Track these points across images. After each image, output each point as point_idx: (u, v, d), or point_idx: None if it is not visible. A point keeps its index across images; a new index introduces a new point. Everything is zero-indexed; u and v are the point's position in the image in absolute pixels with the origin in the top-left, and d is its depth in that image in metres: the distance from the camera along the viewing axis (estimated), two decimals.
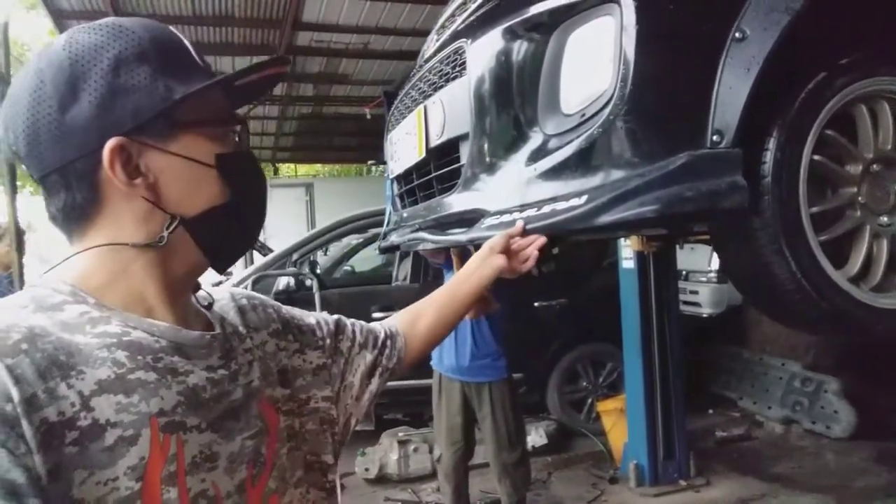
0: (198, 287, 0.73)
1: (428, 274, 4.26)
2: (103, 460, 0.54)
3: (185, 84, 0.63)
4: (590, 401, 4.53)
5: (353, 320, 0.92)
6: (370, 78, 8.73)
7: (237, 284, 4.18)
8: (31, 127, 0.61)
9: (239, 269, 8.99)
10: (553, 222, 1.13)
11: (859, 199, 1.21)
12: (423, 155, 1.55)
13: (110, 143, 0.59)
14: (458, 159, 1.44)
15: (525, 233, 1.12)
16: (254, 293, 0.83)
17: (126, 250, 0.63)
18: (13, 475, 0.49)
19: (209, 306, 0.72)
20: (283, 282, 4.00)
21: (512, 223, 1.20)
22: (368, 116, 9.22)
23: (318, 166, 16.62)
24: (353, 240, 6.58)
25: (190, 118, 0.64)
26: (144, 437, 0.56)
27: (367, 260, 6.74)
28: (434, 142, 1.50)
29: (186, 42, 0.67)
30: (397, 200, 1.93)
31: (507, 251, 1.07)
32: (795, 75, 1.15)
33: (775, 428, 4.54)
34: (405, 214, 1.81)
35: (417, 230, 1.61)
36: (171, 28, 0.67)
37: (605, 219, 1.07)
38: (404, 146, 1.74)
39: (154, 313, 0.64)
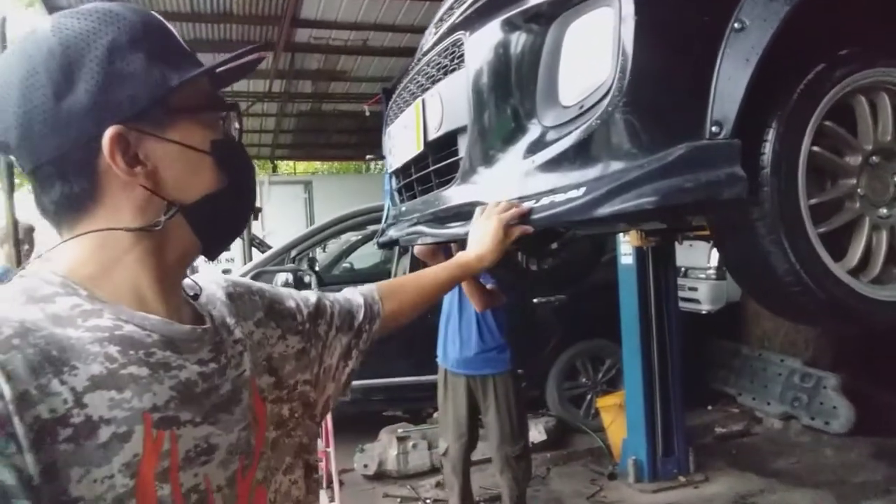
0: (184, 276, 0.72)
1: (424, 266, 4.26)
2: (98, 457, 0.53)
3: (177, 70, 0.63)
4: (589, 397, 4.53)
5: (333, 298, 0.91)
6: (369, 75, 8.71)
7: None
8: (23, 116, 0.59)
9: (238, 265, 9.00)
10: (551, 214, 1.13)
11: (858, 190, 1.20)
12: (422, 149, 1.55)
13: (110, 132, 0.59)
14: (456, 152, 1.44)
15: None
16: (238, 279, 0.81)
17: (120, 239, 0.61)
18: (2, 476, 0.49)
19: (195, 297, 0.72)
20: (281, 278, 4.00)
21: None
22: (367, 113, 9.20)
23: (318, 164, 16.60)
24: (353, 237, 6.59)
25: (184, 105, 0.64)
26: (138, 433, 0.56)
27: (366, 257, 6.74)
28: (432, 135, 1.50)
29: (171, 27, 0.67)
30: (396, 195, 1.93)
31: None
32: (794, 66, 1.14)
33: (774, 424, 4.54)
34: (404, 209, 1.81)
35: (416, 224, 1.60)
36: (157, 14, 0.67)
37: (604, 210, 1.07)
38: (402, 140, 1.74)
39: (147, 305, 0.63)
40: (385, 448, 3.82)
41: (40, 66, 0.59)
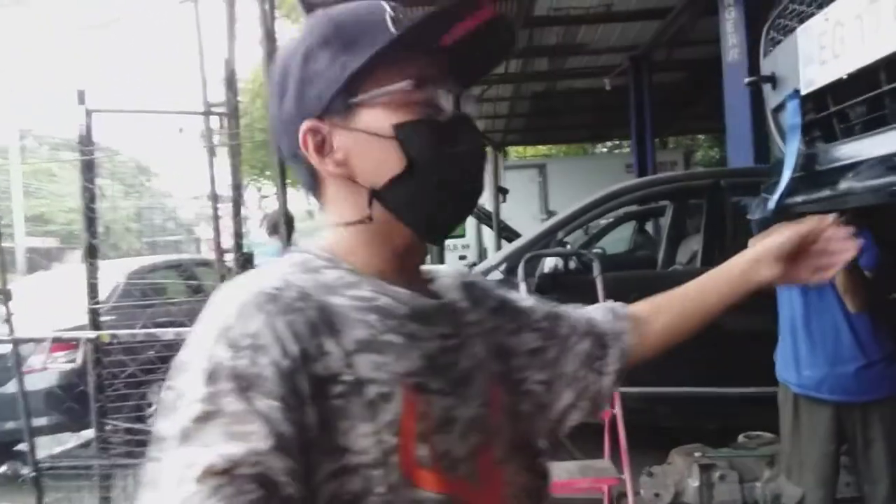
0: (422, 261, 0.75)
1: (724, 255, 3.42)
2: (365, 414, 0.57)
3: (360, 58, 0.63)
4: None
5: (572, 308, 0.88)
6: (610, 45, 8.18)
7: (495, 266, 3.80)
8: (270, 121, 0.71)
9: (472, 252, 8.95)
10: None
11: None
12: None
13: (302, 127, 0.65)
14: None
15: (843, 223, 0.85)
16: (471, 272, 0.87)
17: (350, 227, 0.67)
18: (284, 428, 0.52)
19: (431, 280, 0.74)
20: (549, 263, 3.49)
21: None
22: (608, 87, 8.70)
23: (543, 148, 16.38)
24: (603, 220, 5.97)
25: (367, 91, 0.64)
26: (398, 394, 0.59)
27: (616, 242, 6.10)
28: None
29: (385, 7, 0.65)
30: (811, 131, 1.24)
31: (798, 254, 0.84)
32: None
33: None
34: (839, 151, 1.12)
35: None
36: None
37: None
38: (847, 37, 1.06)
39: (389, 283, 0.66)
40: (682, 475, 3.11)
41: (272, 79, 0.69)
